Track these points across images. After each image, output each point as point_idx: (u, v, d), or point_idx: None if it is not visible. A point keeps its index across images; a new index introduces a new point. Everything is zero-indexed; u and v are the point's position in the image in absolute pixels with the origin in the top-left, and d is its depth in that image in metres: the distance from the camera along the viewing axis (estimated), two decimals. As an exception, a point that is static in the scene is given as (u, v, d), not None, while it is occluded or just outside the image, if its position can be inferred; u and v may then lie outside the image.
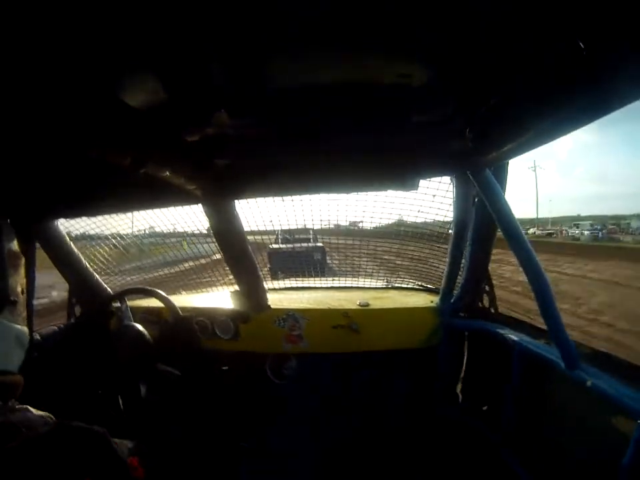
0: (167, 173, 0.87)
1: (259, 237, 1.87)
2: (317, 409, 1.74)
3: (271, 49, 0.52)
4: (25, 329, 0.69)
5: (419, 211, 1.34)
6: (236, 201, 1.33)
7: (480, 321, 1.38)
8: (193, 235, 1.81)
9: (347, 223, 1.65)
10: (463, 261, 1.37)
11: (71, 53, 0.47)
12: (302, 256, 2.98)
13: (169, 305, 1.35)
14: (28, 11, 0.38)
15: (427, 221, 1.45)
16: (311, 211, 1.39)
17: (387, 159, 0.95)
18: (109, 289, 1.78)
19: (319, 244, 3.20)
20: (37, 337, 1.43)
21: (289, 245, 3.00)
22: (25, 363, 0.68)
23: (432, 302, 1.66)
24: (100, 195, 1.16)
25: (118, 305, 1.52)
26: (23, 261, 0.73)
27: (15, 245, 0.72)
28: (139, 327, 1.31)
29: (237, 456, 1.66)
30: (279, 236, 3.47)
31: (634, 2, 0.40)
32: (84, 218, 1.57)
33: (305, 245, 3.09)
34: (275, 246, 3.16)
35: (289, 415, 1.75)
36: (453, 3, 0.41)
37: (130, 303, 1.85)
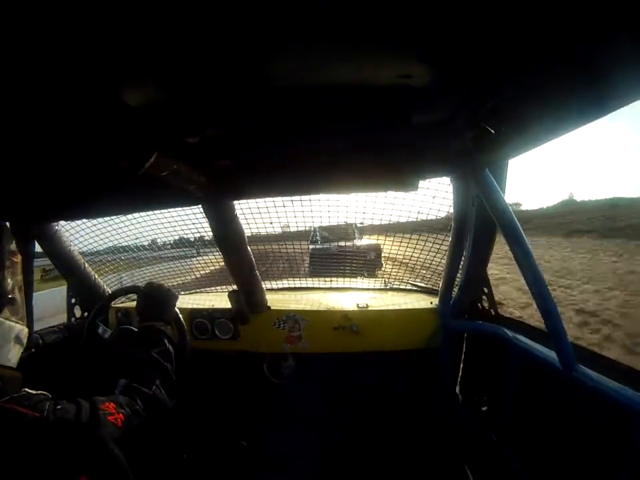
0: (167, 174, 0.87)
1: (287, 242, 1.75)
2: (317, 409, 1.74)
3: (270, 49, 0.52)
4: (25, 327, 0.70)
5: (418, 212, 1.34)
6: (237, 203, 1.33)
7: (479, 322, 1.38)
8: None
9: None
10: (462, 261, 1.37)
11: (72, 55, 0.47)
12: (351, 256, 2.49)
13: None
14: (33, 14, 0.38)
15: (427, 221, 1.45)
16: (311, 210, 1.39)
17: (387, 159, 0.95)
18: (108, 289, 1.78)
19: (373, 241, 2.60)
20: (36, 336, 1.43)
21: (334, 244, 2.51)
22: (22, 360, 0.68)
23: (431, 303, 1.66)
24: (99, 196, 1.16)
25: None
26: (20, 260, 0.73)
27: (13, 245, 0.72)
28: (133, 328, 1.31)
29: (236, 454, 1.66)
30: (317, 234, 3.12)
31: (633, 2, 0.40)
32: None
33: (353, 243, 2.58)
34: (317, 246, 2.73)
35: (289, 415, 1.75)
36: (453, 3, 0.42)
37: (128, 304, 1.86)
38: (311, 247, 3.12)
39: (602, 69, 0.50)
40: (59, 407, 0.58)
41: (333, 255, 2.36)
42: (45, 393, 0.61)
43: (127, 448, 0.61)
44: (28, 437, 0.51)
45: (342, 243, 2.45)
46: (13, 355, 0.66)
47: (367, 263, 2.45)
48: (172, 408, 0.81)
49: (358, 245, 2.70)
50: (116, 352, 1.24)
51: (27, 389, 0.60)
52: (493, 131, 0.79)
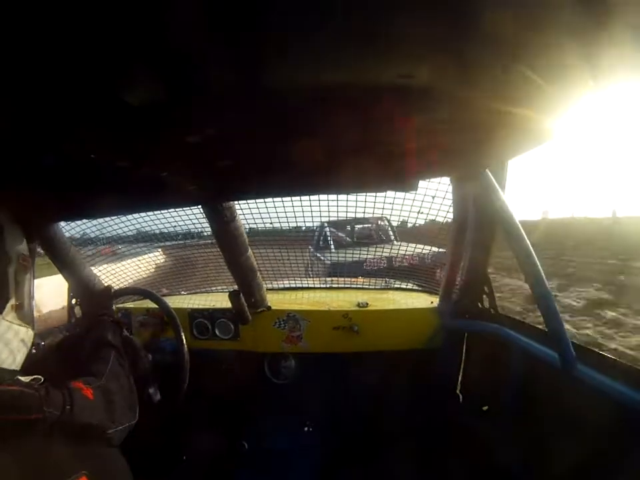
0: (167, 174, 0.87)
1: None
2: (318, 409, 1.74)
3: (270, 49, 0.52)
4: (30, 330, 0.70)
5: (418, 212, 1.34)
6: (236, 203, 1.33)
7: (480, 321, 1.38)
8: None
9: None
10: (463, 261, 1.37)
11: (72, 54, 0.47)
12: (411, 273, 1.65)
13: (164, 306, 1.34)
14: (33, 13, 0.38)
15: (427, 221, 1.45)
16: (310, 209, 1.38)
17: (387, 159, 0.95)
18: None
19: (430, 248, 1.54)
20: (37, 337, 1.43)
21: (362, 251, 1.52)
22: (24, 361, 0.69)
23: (432, 303, 1.66)
24: (99, 196, 1.16)
25: None
26: (30, 264, 0.73)
27: (23, 248, 0.72)
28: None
29: (236, 455, 1.66)
30: (327, 232, 2.22)
31: (633, 3, 0.40)
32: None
33: (393, 250, 1.50)
34: (333, 254, 1.81)
35: (290, 415, 1.75)
36: (454, 2, 0.42)
37: (131, 304, 1.86)
38: (319, 254, 2.20)
39: (601, 69, 0.50)
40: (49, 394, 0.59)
41: (377, 270, 1.61)
42: (37, 377, 0.61)
43: (96, 418, 0.67)
44: (28, 432, 0.51)
45: (378, 250, 1.51)
46: (19, 357, 0.66)
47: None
48: (129, 375, 0.90)
49: (413, 254, 1.58)
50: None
51: (19, 377, 0.60)
52: (492, 131, 0.79)
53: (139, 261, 1.97)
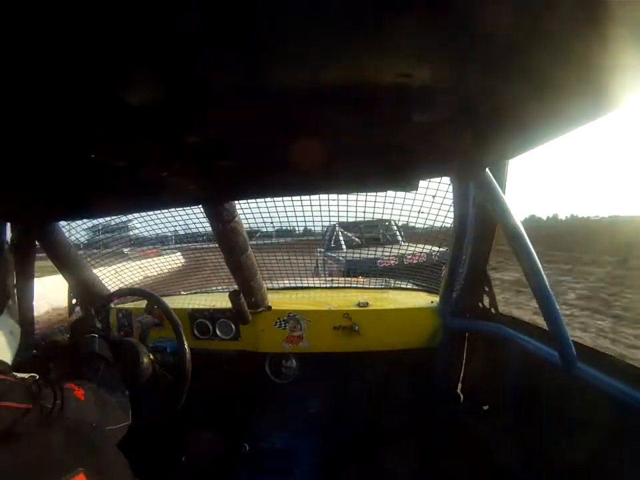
0: (167, 174, 0.87)
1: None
2: (318, 410, 1.74)
3: (269, 49, 0.51)
4: (16, 323, 0.72)
5: (419, 212, 1.34)
6: (237, 203, 1.33)
7: (480, 321, 1.38)
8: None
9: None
10: (463, 260, 1.37)
11: (71, 54, 0.47)
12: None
13: (163, 306, 1.34)
14: (32, 12, 0.38)
15: (427, 221, 1.45)
16: (311, 210, 1.38)
17: (387, 159, 0.95)
18: (110, 289, 1.78)
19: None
20: (38, 336, 1.44)
21: (378, 251, 1.46)
22: (25, 361, 0.69)
23: (432, 302, 1.66)
24: (99, 196, 1.16)
25: None
26: (16, 258, 0.75)
27: (5, 240, 0.74)
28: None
29: (237, 455, 1.66)
30: (339, 233, 2.28)
31: (633, 4, 0.40)
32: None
33: (402, 251, 1.48)
34: (345, 254, 1.83)
35: (291, 415, 1.75)
36: (454, 2, 0.42)
37: (131, 305, 1.86)
38: (331, 254, 2.27)
39: (601, 68, 0.50)
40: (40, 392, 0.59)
41: (390, 268, 1.59)
42: (33, 375, 0.62)
43: (90, 416, 0.67)
44: (20, 423, 0.51)
45: (388, 250, 1.47)
46: (11, 350, 0.68)
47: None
48: (119, 381, 0.92)
49: (421, 253, 1.56)
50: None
51: (14, 373, 0.60)
52: (492, 131, 0.79)
53: (139, 261, 1.97)
